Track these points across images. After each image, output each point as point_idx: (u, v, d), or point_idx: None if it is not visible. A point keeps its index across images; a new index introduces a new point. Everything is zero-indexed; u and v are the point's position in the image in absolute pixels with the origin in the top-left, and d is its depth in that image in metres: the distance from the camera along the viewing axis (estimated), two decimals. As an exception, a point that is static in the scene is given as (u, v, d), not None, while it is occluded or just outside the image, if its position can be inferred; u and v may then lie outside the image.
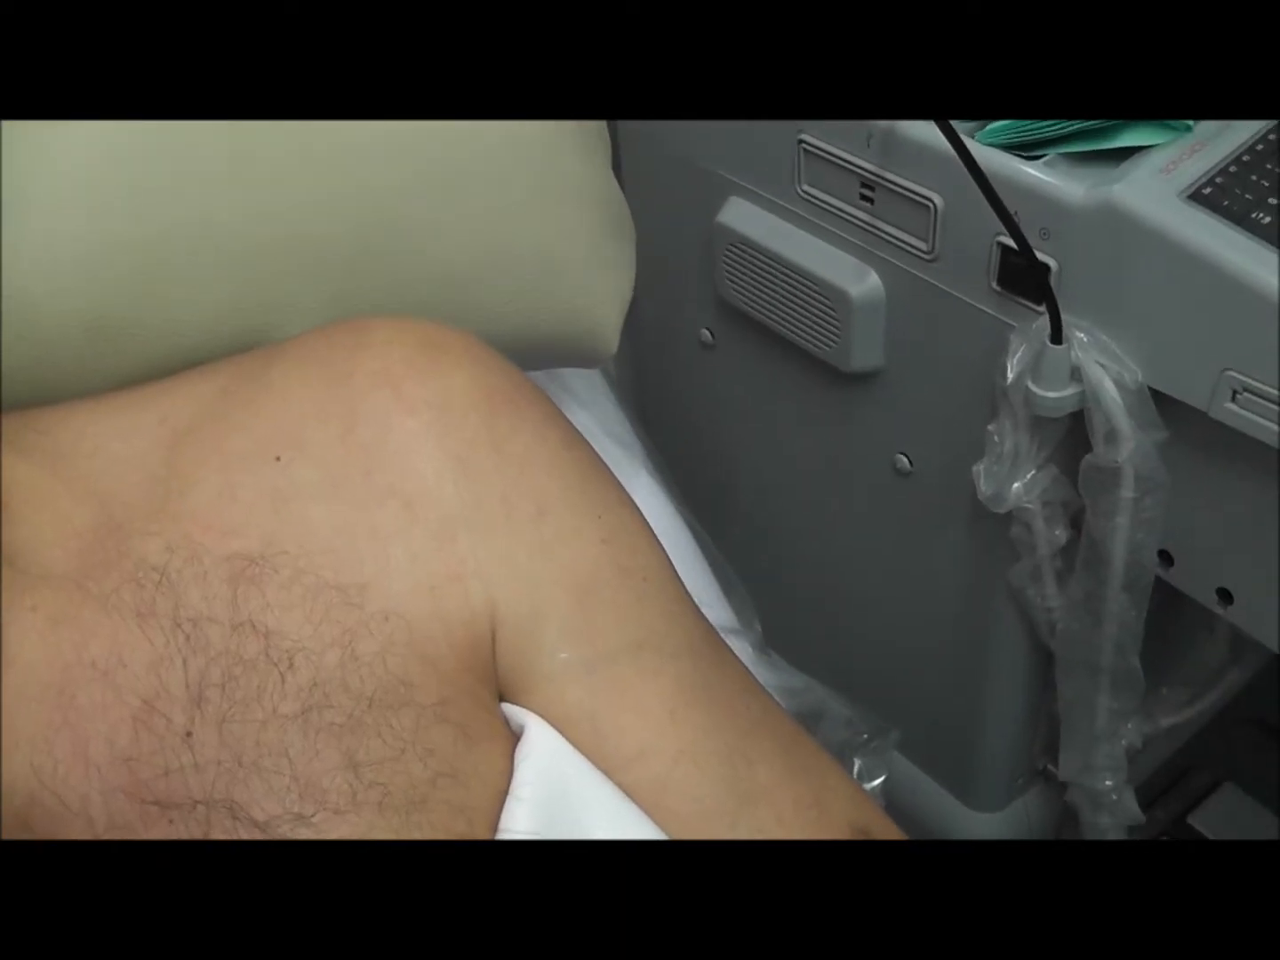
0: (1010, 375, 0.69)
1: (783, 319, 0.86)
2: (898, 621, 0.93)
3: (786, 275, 0.83)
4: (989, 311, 0.72)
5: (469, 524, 0.43)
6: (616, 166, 1.01)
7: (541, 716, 0.43)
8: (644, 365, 1.10)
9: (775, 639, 1.07)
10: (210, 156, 0.48)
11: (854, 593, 0.96)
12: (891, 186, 0.74)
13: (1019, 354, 0.69)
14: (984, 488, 0.73)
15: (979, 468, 0.74)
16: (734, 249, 0.87)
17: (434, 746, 0.40)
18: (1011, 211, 0.67)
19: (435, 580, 0.42)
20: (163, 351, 0.48)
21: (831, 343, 0.82)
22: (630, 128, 0.96)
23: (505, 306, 0.57)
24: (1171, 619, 0.85)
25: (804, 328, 0.84)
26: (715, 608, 0.69)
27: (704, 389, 1.01)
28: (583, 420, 0.69)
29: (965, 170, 0.67)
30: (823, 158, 0.78)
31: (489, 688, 0.43)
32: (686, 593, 0.48)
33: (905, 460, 0.84)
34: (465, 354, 0.46)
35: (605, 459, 0.69)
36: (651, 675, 0.44)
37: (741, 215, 0.86)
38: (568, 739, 0.43)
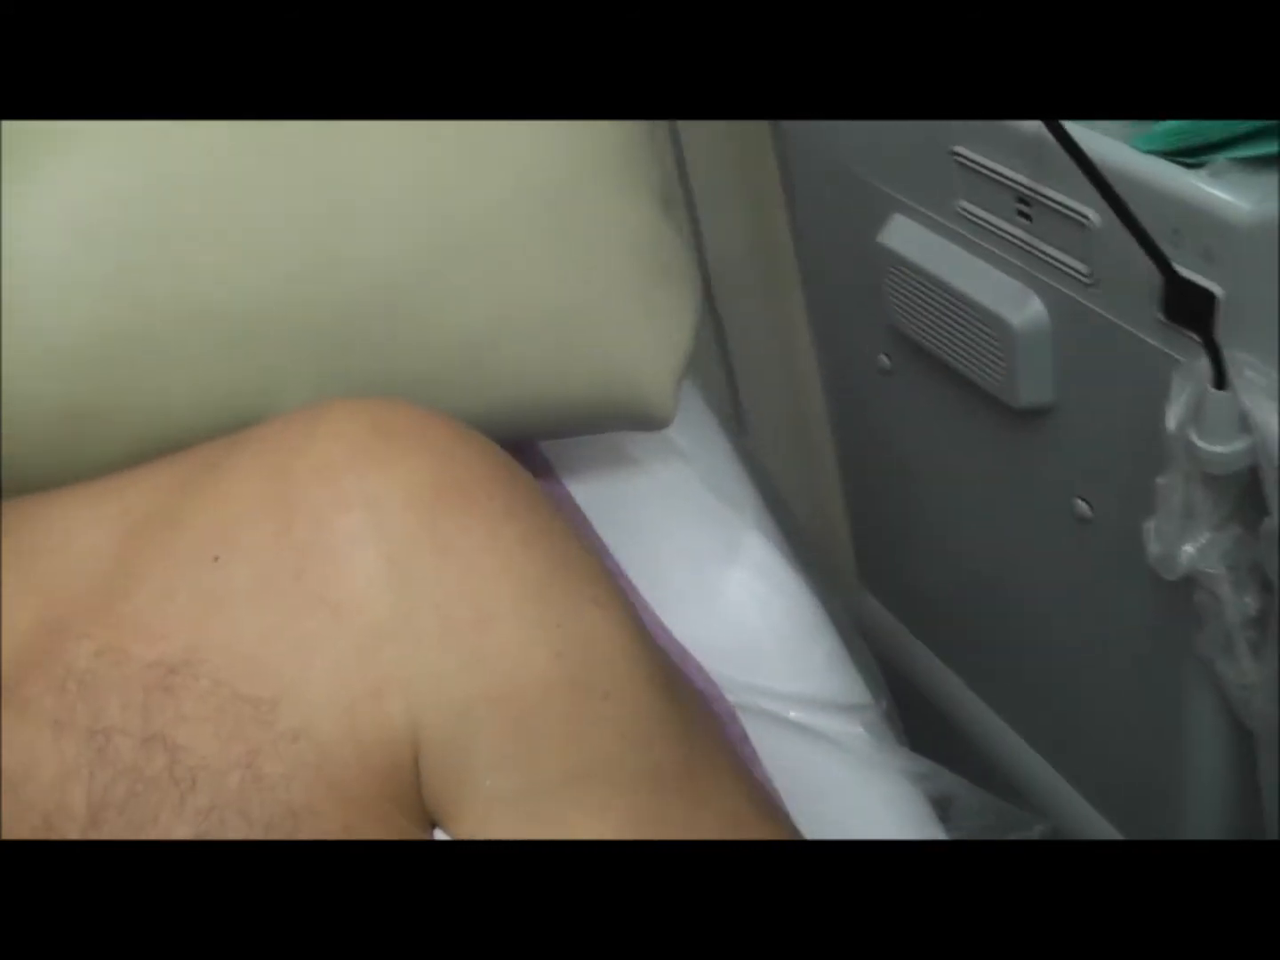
0: (1172, 422, 0.59)
1: (950, 348, 0.78)
2: (1082, 680, 0.83)
3: (949, 301, 0.75)
4: (1156, 345, 0.62)
5: (397, 634, 0.39)
6: (789, 181, 0.96)
7: None
8: (840, 396, 1.04)
9: (955, 680, 0.99)
10: (194, 228, 0.46)
11: (1038, 642, 0.87)
12: (1047, 201, 0.65)
13: (1182, 398, 0.59)
14: (1153, 549, 0.64)
15: (1149, 525, 0.64)
16: (897, 271, 0.79)
17: None
18: (1171, 229, 0.58)
19: (353, 696, 0.39)
20: (148, 437, 0.47)
21: (998, 375, 0.74)
22: (799, 138, 0.90)
23: (527, 371, 0.52)
24: None
25: (970, 358, 0.76)
26: (832, 680, 0.63)
27: (885, 417, 0.94)
28: (684, 475, 0.64)
29: (1124, 182, 0.58)
30: (977, 171, 0.70)
31: (409, 813, 0.39)
32: (670, 704, 0.43)
33: (1085, 506, 0.74)
34: (417, 441, 0.42)
35: (708, 521, 0.65)
36: (595, 810, 0.39)
37: (903, 235, 0.79)
38: None
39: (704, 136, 1.00)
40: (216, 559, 0.40)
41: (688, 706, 0.44)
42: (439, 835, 0.40)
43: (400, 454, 0.41)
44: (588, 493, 0.62)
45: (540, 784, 0.39)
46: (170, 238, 0.46)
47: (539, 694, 0.40)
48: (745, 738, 0.59)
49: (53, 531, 0.43)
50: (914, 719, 1.11)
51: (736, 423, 1.11)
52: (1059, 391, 0.72)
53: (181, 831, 0.37)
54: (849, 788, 0.61)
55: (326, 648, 0.39)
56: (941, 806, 0.63)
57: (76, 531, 0.43)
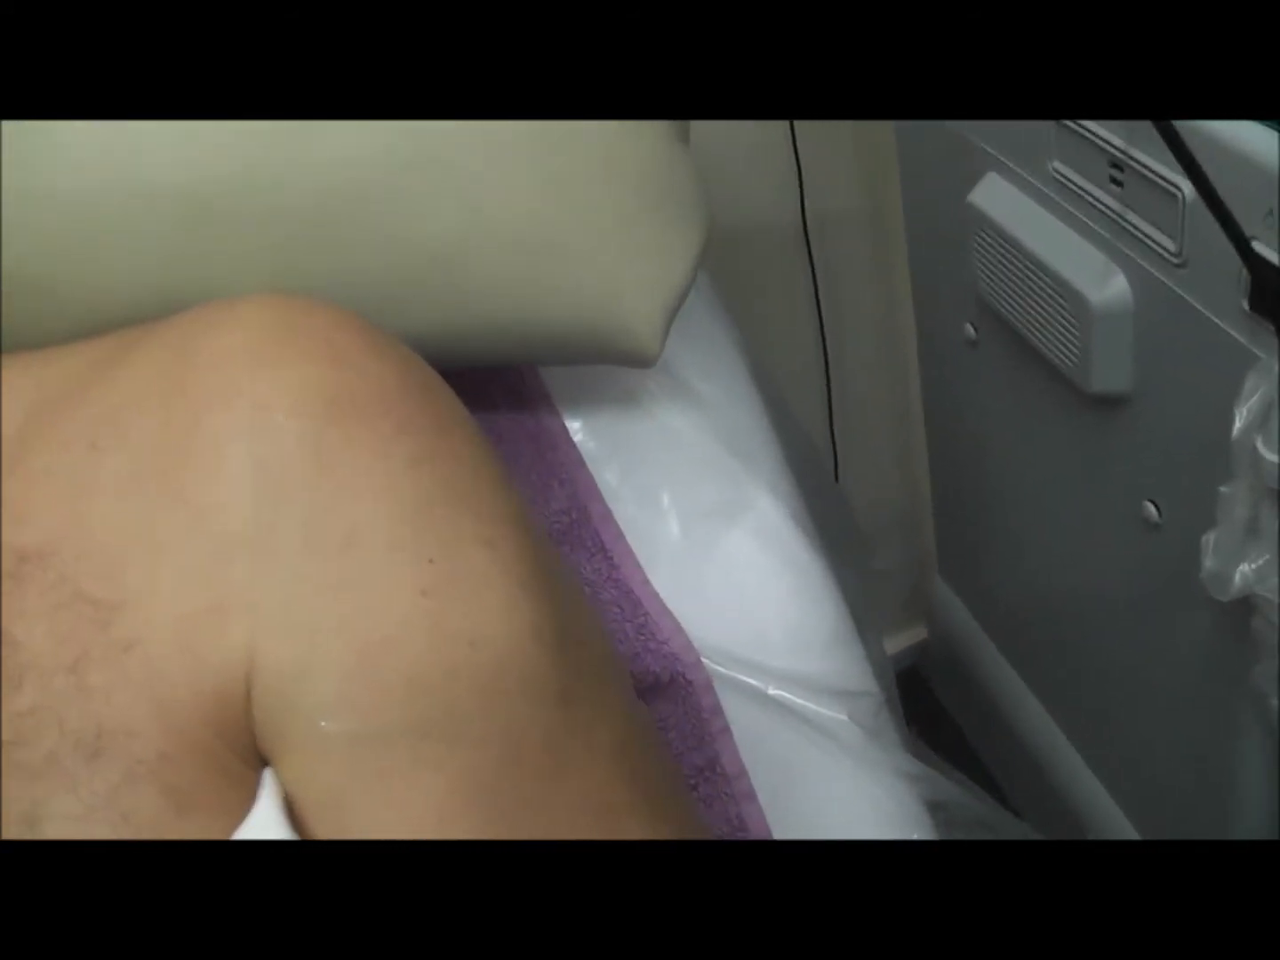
0: (1237, 426, 0.53)
1: (1030, 323, 0.71)
2: (1135, 693, 0.77)
3: (1031, 271, 0.69)
4: (1238, 338, 0.55)
5: (253, 546, 0.36)
6: (899, 144, 0.89)
7: (291, 792, 0.36)
8: (924, 359, 0.98)
9: (1000, 660, 0.93)
10: None
11: (1090, 642, 0.80)
12: (1139, 168, 0.59)
13: (1252, 401, 0.52)
14: (1208, 564, 0.57)
15: (1208, 538, 0.58)
16: (984, 235, 0.73)
17: (131, 811, 0.34)
18: (1264, 212, 0.51)
19: (194, 610, 0.35)
20: (87, 315, 0.45)
21: (1073, 356, 0.68)
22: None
23: (496, 291, 0.48)
24: None
25: (1048, 335, 0.70)
26: (827, 661, 0.58)
27: (969, 392, 0.88)
28: (695, 422, 0.60)
29: (1220, 151, 0.51)
30: (1074, 130, 0.63)
31: (235, 747, 0.36)
32: (556, 664, 0.38)
33: (1154, 510, 0.68)
34: (322, 344, 0.38)
35: (714, 474, 0.60)
36: (430, 766, 0.35)
37: (994, 195, 0.73)
38: (307, 825, 0.35)
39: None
40: (94, 445, 0.38)
41: (584, 672, 0.40)
42: (267, 775, 0.37)
43: (298, 355, 0.38)
44: (589, 429, 0.58)
45: (377, 731, 0.36)
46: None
47: (394, 631, 0.36)
48: (719, 709, 0.55)
49: None
50: (970, 713, 1.05)
51: (823, 374, 1.05)
52: (1137, 381, 0.65)
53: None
54: (828, 777, 0.56)
55: (177, 553, 0.36)
56: (933, 810, 0.58)
57: None
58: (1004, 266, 0.72)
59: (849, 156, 1.00)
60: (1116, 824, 0.84)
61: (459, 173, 0.47)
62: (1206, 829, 0.74)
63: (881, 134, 0.97)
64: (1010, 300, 0.73)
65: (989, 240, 0.73)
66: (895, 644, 1.23)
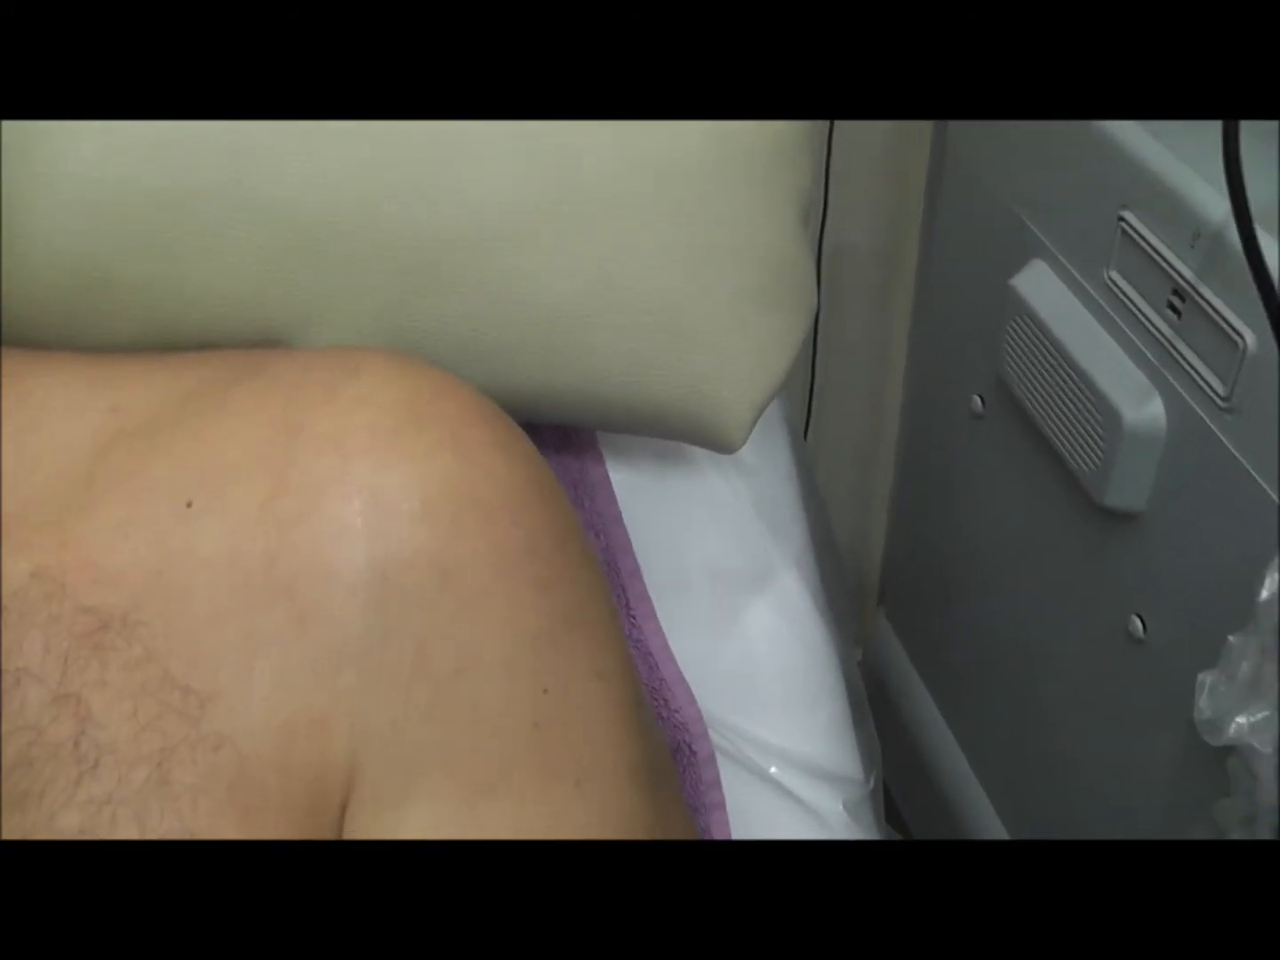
0: (1265, 592, 0.53)
1: (1051, 419, 0.72)
2: (1082, 796, 0.78)
3: (1065, 371, 0.69)
4: (1274, 497, 0.56)
5: (363, 660, 0.34)
6: (935, 198, 0.89)
7: None
8: (917, 416, 0.98)
9: (947, 752, 0.95)
10: None
11: (1045, 743, 0.82)
12: (1203, 303, 0.59)
13: (1284, 567, 0.53)
14: (1203, 707, 0.58)
15: (1205, 679, 0.59)
16: (1020, 321, 0.73)
17: None
18: (1333, 387, 0.52)
19: (294, 718, 0.34)
20: (166, 322, 0.42)
21: (1093, 465, 0.68)
22: (955, 160, 0.83)
23: (611, 363, 0.47)
24: None
25: (1069, 438, 0.70)
26: (826, 745, 0.58)
27: (963, 461, 0.88)
28: (736, 489, 0.59)
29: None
30: (1139, 245, 0.63)
31: None
32: (647, 799, 0.38)
33: (1140, 625, 0.69)
34: (452, 437, 0.36)
35: (747, 544, 0.60)
36: None
37: (1038, 285, 0.73)
38: None
39: (857, 135, 0.93)
40: (190, 505, 0.35)
41: (664, 801, 0.40)
42: None
43: (428, 450, 0.35)
44: (628, 480, 0.57)
45: None
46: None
47: (504, 768, 0.35)
48: (717, 783, 0.55)
49: (28, 403, 0.38)
50: (897, 764, 1.07)
51: (805, 425, 1.05)
52: (1151, 502, 0.66)
53: (65, 820, 0.33)
54: (810, 861, 0.57)
55: (279, 653, 0.34)
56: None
57: (55, 415, 0.38)
58: (1035, 357, 0.72)
59: (879, 196, 0.99)
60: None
61: (594, 235, 0.45)
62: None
63: (914, 178, 0.97)
64: (1034, 391, 0.73)
65: (1024, 327, 0.73)
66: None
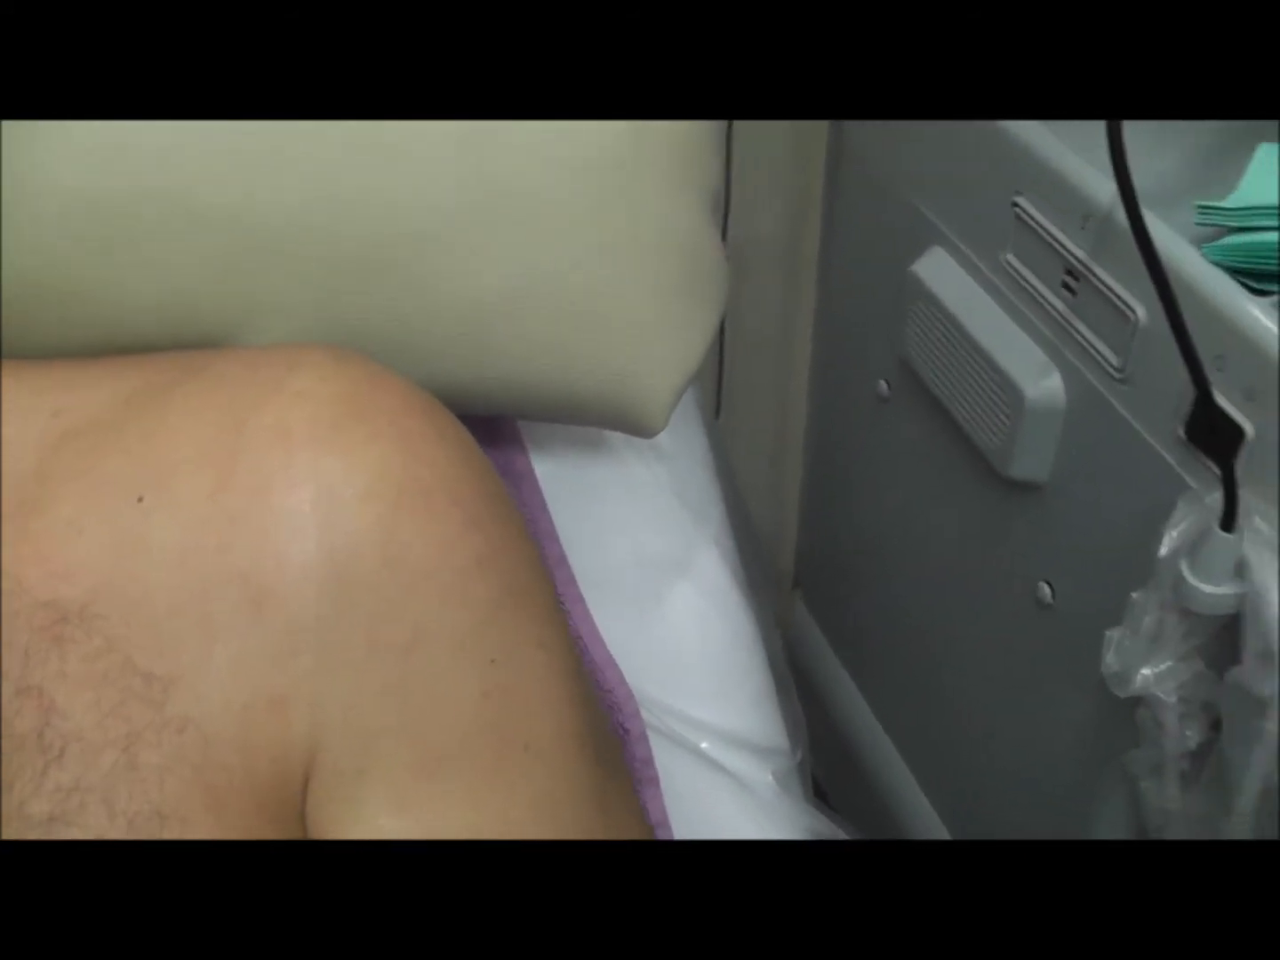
0: (1165, 548, 0.56)
1: (955, 398, 0.75)
2: (1004, 757, 0.82)
3: (967, 352, 0.72)
4: (1169, 461, 0.59)
5: (318, 642, 0.35)
6: (834, 189, 0.92)
7: None
8: (823, 403, 1.01)
9: (868, 729, 0.98)
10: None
11: (962, 711, 0.85)
12: (1096, 282, 0.62)
13: (1182, 526, 0.56)
14: (1110, 661, 0.61)
15: (1112, 635, 0.62)
16: (922, 306, 0.76)
17: None
18: (1215, 354, 0.55)
19: (254, 699, 0.35)
20: (103, 328, 0.43)
21: (997, 439, 0.71)
22: (852, 152, 0.86)
23: (535, 354, 0.48)
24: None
25: (973, 414, 0.73)
26: (753, 719, 0.60)
27: (871, 444, 0.91)
28: (655, 474, 0.61)
29: (1180, 289, 0.54)
30: (1034, 229, 0.66)
31: (284, 836, 0.36)
32: (592, 765, 0.39)
33: (1048, 590, 0.72)
34: (391, 425, 0.37)
35: (667, 526, 0.61)
36: None
37: (937, 270, 0.75)
38: None
39: (757, 131, 0.96)
40: (141, 500, 0.36)
41: (608, 770, 0.41)
42: None
43: (368, 438, 0.37)
44: (552, 470, 0.59)
45: (437, 834, 0.36)
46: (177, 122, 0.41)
47: (456, 736, 0.36)
48: (650, 761, 0.56)
49: None
50: (820, 746, 1.09)
51: (715, 409, 1.07)
52: (1054, 472, 0.69)
53: (35, 807, 0.33)
54: (740, 832, 0.58)
55: (236, 636, 0.35)
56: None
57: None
58: (938, 340, 0.75)
59: (780, 189, 1.01)
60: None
61: (516, 231, 0.46)
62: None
63: (813, 171, 0.99)
64: (938, 372, 0.76)
65: (926, 311, 0.76)
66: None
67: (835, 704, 1.03)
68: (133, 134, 0.42)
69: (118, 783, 0.34)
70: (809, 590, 1.09)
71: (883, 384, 0.86)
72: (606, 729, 0.43)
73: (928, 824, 0.92)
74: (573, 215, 0.47)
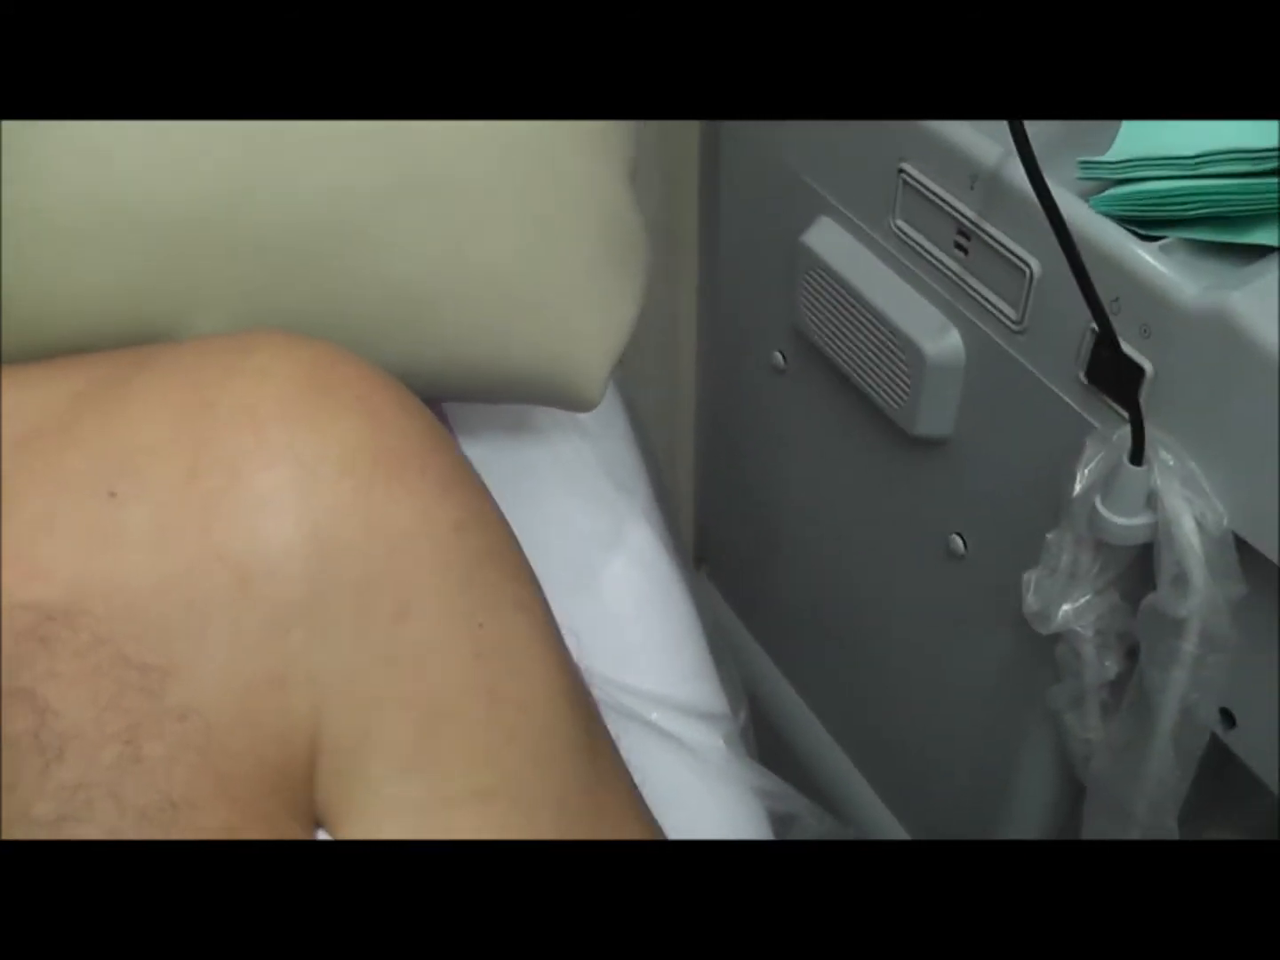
0: (1078, 486, 0.59)
1: (854, 362, 0.77)
2: (927, 710, 0.84)
3: (864, 316, 0.74)
4: (1072, 405, 0.62)
5: (309, 616, 0.35)
6: (714, 165, 0.93)
7: None
8: (718, 379, 1.02)
9: (794, 696, 1.00)
10: None
11: (886, 668, 0.87)
12: (988, 239, 0.64)
13: (1093, 464, 0.59)
14: (1031, 601, 0.64)
15: (1029, 576, 0.65)
16: (814, 275, 0.78)
17: None
18: (1111, 298, 0.57)
19: (253, 680, 0.35)
20: (40, 331, 0.42)
21: (900, 400, 0.73)
22: (733, 126, 0.87)
23: (467, 333, 0.49)
24: (1227, 760, 0.75)
25: (874, 377, 0.75)
26: (697, 686, 0.61)
27: (770, 415, 0.93)
28: (582, 452, 0.61)
29: (1071, 234, 0.57)
30: (921, 193, 0.68)
31: (298, 817, 0.36)
32: (581, 721, 0.40)
33: (960, 542, 0.75)
34: (357, 400, 0.38)
35: (598, 502, 0.62)
36: (496, 827, 0.37)
37: (828, 239, 0.77)
38: None
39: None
40: (113, 494, 0.36)
41: (593, 723, 0.42)
42: (321, 838, 0.36)
43: (336, 411, 0.37)
44: (482, 456, 0.58)
45: (443, 797, 0.36)
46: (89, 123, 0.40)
47: (453, 698, 0.37)
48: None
49: None
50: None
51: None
52: (958, 426, 0.72)
53: (41, 809, 0.32)
54: (698, 797, 0.59)
55: (227, 619, 0.35)
56: (783, 824, 0.62)
57: None
58: (833, 307, 0.77)
59: (655, 164, 1.02)
60: (885, 824, 0.91)
61: (444, 212, 0.46)
62: (977, 829, 0.82)
63: (686, 150, 1.00)
64: (835, 339, 0.78)
65: (818, 280, 0.78)
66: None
67: (749, 677, 1.05)
68: (59, 138, 0.41)
69: (124, 776, 0.33)
70: (713, 567, 1.11)
71: (778, 355, 0.88)
72: (584, 687, 0.44)
73: (854, 787, 0.94)
74: (494, 193, 0.48)
